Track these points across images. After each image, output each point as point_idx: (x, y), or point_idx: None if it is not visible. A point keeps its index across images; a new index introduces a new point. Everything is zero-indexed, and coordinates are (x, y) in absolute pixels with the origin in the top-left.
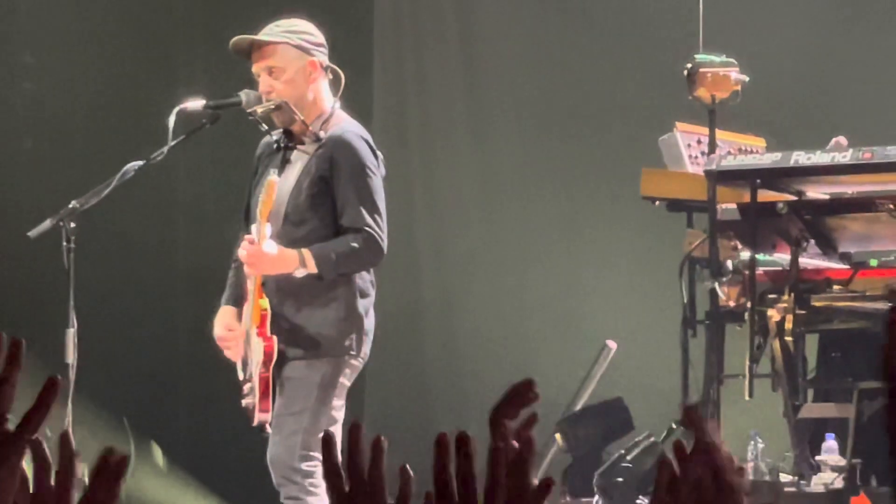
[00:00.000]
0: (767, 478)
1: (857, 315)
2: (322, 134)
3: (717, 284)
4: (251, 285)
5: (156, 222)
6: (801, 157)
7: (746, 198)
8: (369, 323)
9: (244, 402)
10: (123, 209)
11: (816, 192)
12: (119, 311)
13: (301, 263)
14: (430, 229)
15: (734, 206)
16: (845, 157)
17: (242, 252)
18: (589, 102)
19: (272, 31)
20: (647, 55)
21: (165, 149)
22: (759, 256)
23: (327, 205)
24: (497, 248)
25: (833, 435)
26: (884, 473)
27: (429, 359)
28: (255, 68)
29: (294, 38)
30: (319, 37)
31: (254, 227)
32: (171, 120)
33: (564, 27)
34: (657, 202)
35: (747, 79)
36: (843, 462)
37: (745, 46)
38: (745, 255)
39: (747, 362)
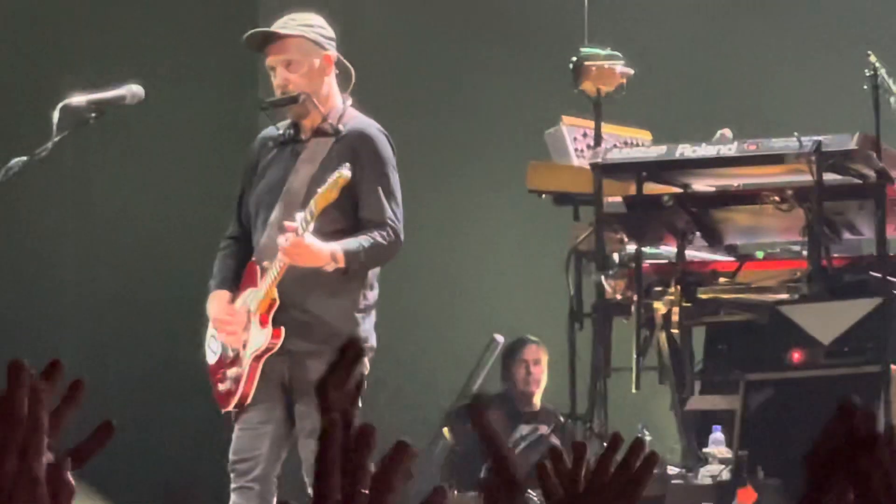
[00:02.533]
0: (655, 470)
1: (743, 307)
2: (341, 127)
3: (603, 277)
4: (272, 274)
5: (43, 217)
6: (686, 150)
7: (632, 191)
8: (374, 315)
9: (222, 386)
10: (8, 205)
11: (702, 184)
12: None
13: (333, 258)
14: None
15: (620, 199)
16: (730, 150)
17: (284, 241)
18: (475, 96)
19: (289, 25)
20: (534, 48)
21: (50, 144)
22: (645, 249)
23: (347, 196)
24: None
25: (720, 427)
26: (770, 465)
27: None
28: (270, 61)
29: (310, 32)
30: (331, 31)
31: (299, 217)
32: (56, 115)
33: (451, 20)
34: (543, 195)
35: (633, 72)
36: (729, 454)
37: (630, 40)
38: (631, 247)
39: (634, 355)
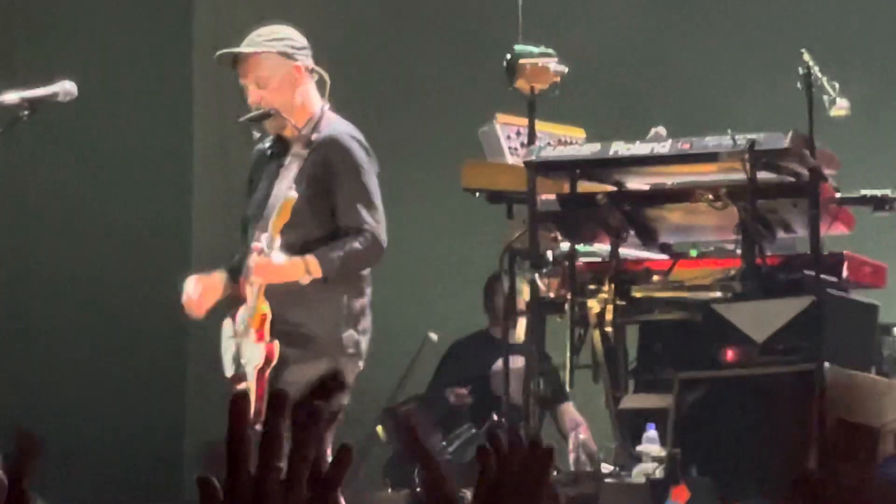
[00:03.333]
0: (589, 468)
1: (676, 306)
2: (314, 136)
3: (537, 275)
4: (254, 290)
5: None
6: (620, 148)
7: (566, 189)
8: (367, 321)
9: None
10: None
11: (636, 182)
12: None
13: (306, 271)
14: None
15: (553, 197)
16: (664, 148)
17: (251, 261)
18: (409, 94)
19: (253, 41)
20: (468, 46)
21: None
22: (579, 247)
23: (324, 206)
24: None
25: (654, 425)
26: (703, 463)
27: None
28: (241, 81)
29: (278, 46)
30: (302, 40)
31: (264, 237)
32: None
33: (385, 18)
34: (478, 193)
35: (566, 70)
36: (663, 452)
37: (564, 38)
38: (565, 246)
39: (568, 353)
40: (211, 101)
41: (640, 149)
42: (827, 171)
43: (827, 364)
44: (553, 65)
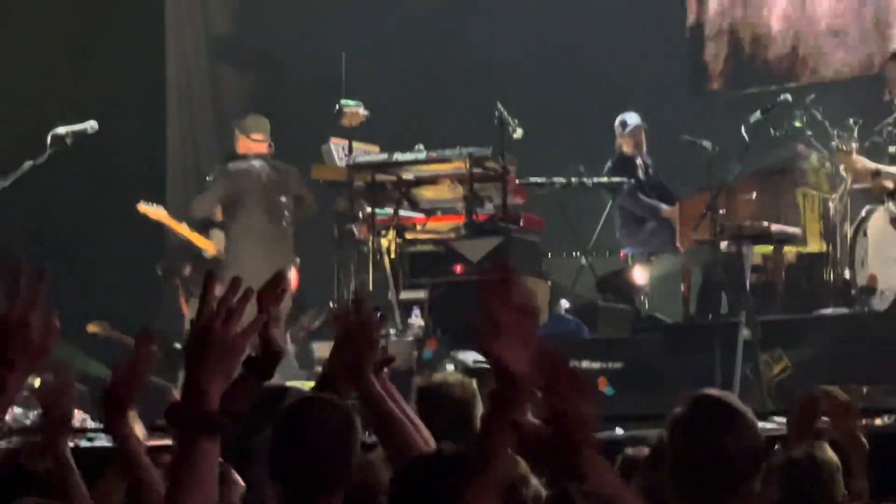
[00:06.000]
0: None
1: (430, 242)
2: None
3: (353, 226)
4: None
5: None
6: (398, 156)
7: (370, 178)
8: None
9: None
10: None
11: (409, 174)
12: None
13: None
14: None
15: (363, 183)
16: (422, 155)
17: None
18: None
19: None
20: (315, 99)
21: (44, 157)
22: (378, 210)
23: None
24: None
25: (418, 308)
26: (445, 329)
27: None
28: None
29: None
30: None
31: None
32: (48, 139)
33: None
34: (321, 181)
35: (368, 113)
36: (422, 322)
37: (368, 93)
38: (368, 210)
39: (370, 269)
40: None
41: (407, 156)
42: (510, 167)
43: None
44: (361, 111)
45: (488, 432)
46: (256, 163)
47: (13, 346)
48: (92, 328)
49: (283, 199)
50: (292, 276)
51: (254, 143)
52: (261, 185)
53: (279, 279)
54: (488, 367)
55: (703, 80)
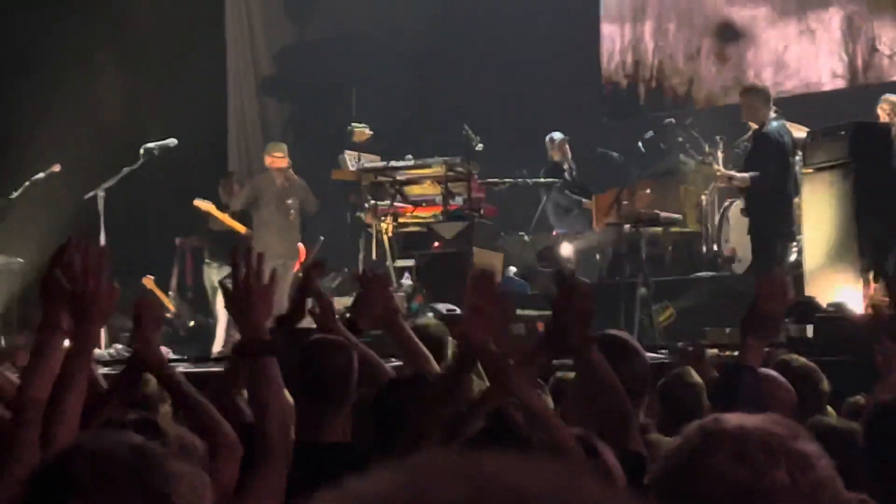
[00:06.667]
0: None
1: (417, 225)
2: None
3: (362, 213)
4: None
5: None
6: (394, 163)
7: (374, 179)
8: None
9: None
10: None
11: (401, 176)
12: None
13: None
14: None
15: (368, 182)
16: (410, 162)
17: None
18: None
19: None
20: (331, 121)
21: (137, 165)
22: (379, 202)
23: None
24: None
25: (409, 273)
26: (429, 288)
27: None
28: None
29: None
30: None
31: None
32: (142, 151)
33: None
34: (340, 181)
35: (372, 133)
36: (411, 283)
37: (373, 116)
38: (373, 202)
39: (374, 247)
40: None
41: (400, 164)
42: (474, 171)
43: (475, 248)
44: (367, 130)
45: (458, 367)
46: (275, 174)
47: (92, 308)
48: (146, 281)
49: (290, 200)
50: (301, 252)
51: (275, 159)
52: (275, 190)
53: (317, 263)
54: (457, 314)
55: (614, 106)
